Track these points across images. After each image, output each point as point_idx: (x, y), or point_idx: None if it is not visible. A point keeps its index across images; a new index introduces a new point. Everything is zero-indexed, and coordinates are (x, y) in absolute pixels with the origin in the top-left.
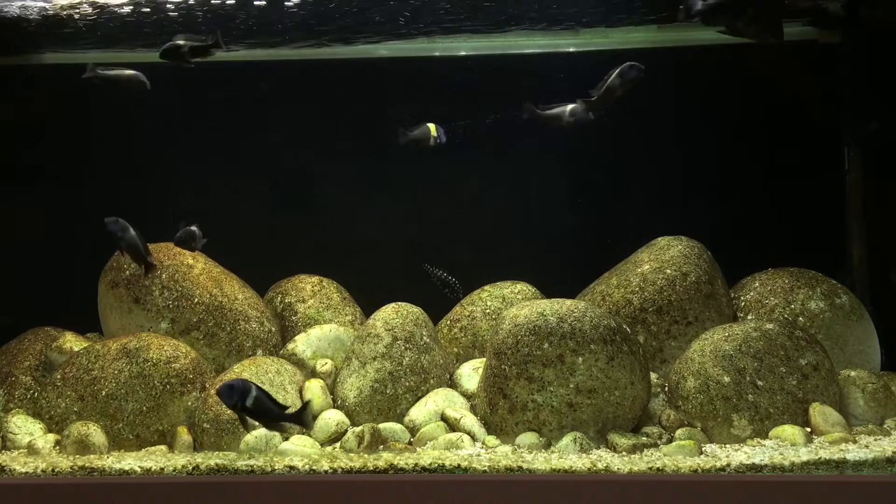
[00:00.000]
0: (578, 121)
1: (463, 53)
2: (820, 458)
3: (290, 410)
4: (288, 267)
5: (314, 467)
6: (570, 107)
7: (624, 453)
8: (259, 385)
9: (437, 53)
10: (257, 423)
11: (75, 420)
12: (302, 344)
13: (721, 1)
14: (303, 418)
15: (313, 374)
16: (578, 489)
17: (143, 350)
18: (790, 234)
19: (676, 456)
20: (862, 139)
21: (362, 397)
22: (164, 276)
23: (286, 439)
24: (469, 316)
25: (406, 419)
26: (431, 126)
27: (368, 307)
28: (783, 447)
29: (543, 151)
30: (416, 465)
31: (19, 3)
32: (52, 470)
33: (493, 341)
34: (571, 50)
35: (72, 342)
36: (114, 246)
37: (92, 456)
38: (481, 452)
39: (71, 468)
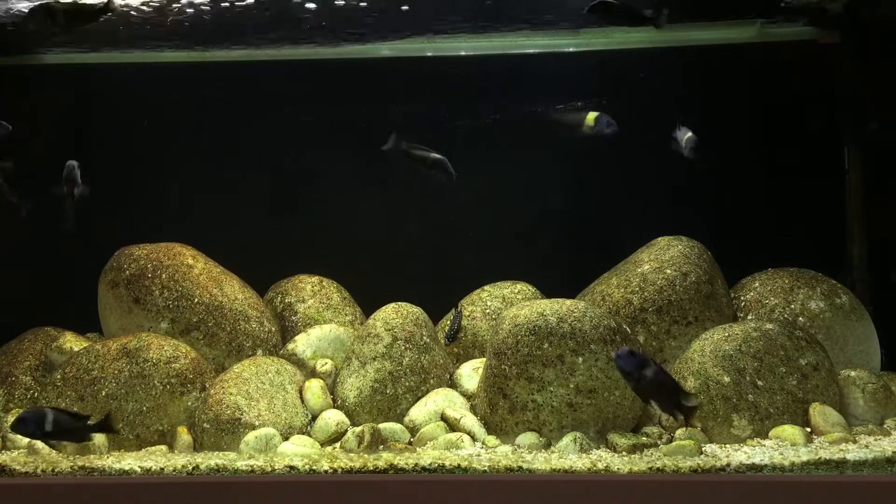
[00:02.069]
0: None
1: (463, 53)
2: (820, 458)
3: (94, 420)
4: (288, 267)
5: (314, 467)
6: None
7: (624, 453)
8: (53, 407)
9: (436, 54)
10: (65, 442)
11: None
12: (302, 344)
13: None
14: (108, 424)
15: (313, 374)
16: (578, 489)
17: (143, 350)
18: (790, 234)
19: (676, 456)
20: (862, 139)
21: (362, 397)
22: (164, 276)
23: (286, 439)
24: (469, 316)
25: (406, 419)
26: (591, 114)
27: (368, 307)
28: (783, 447)
29: (543, 151)
30: (416, 465)
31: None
32: (52, 470)
33: (493, 341)
34: (571, 50)
35: (72, 342)
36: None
37: (92, 456)
38: (481, 452)
39: (71, 468)
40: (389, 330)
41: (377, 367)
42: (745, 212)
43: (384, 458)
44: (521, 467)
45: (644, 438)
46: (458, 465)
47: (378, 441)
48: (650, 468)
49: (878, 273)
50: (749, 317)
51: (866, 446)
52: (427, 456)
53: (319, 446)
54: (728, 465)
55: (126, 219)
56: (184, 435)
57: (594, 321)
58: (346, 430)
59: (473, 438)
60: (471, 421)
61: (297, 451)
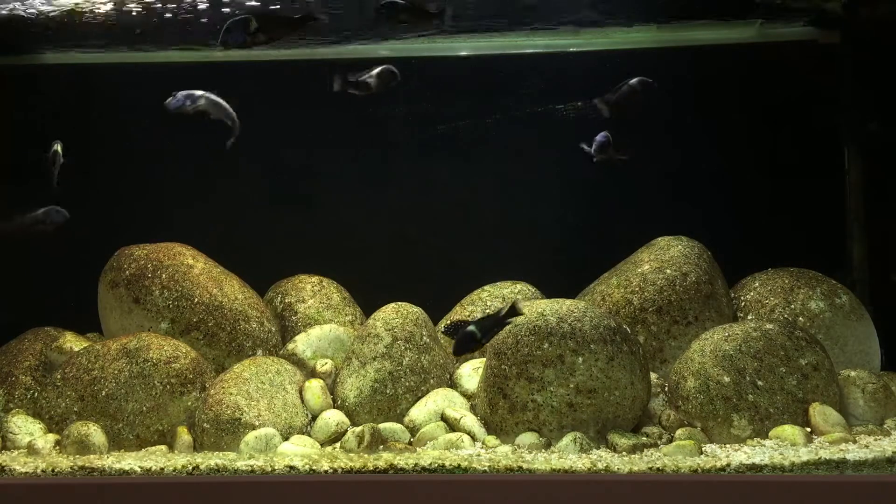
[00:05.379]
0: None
1: (464, 53)
2: (820, 458)
3: None
4: (288, 267)
5: (314, 467)
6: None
7: (624, 453)
8: None
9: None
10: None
11: (75, 420)
12: (302, 344)
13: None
14: None
15: (313, 374)
16: (578, 489)
17: (143, 350)
18: (790, 234)
19: (676, 456)
20: (862, 139)
21: (362, 397)
22: (164, 276)
23: (286, 439)
24: (469, 316)
25: (406, 419)
26: None
27: (368, 307)
28: (783, 447)
29: (543, 151)
30: (416, 465)
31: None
32: (52, 470)
33: (493, 341)
34: (571, 50)
35: (72, 342)
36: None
37: (92, 456)
38: (481, 452)
39: (71, 468)
40: (389, 330)
41: (377, 367)
42: (746, 211)
43: (384, 458)
44: (521, 467)
45: (644, 438)
46: (458, 465)
47: (378, 441)
48: (650, 468)
49: (878, 273)
50: (749, 317)
51: (866, 446)
52: (427, 456)
53: (319, 446)
54: (728, 465)
55: (126, 218)
56: (184, 435)
57: (594, 321)
58: (346, 430)
59: (473, 438)
60: (471, 421)
61: (297, 451)
